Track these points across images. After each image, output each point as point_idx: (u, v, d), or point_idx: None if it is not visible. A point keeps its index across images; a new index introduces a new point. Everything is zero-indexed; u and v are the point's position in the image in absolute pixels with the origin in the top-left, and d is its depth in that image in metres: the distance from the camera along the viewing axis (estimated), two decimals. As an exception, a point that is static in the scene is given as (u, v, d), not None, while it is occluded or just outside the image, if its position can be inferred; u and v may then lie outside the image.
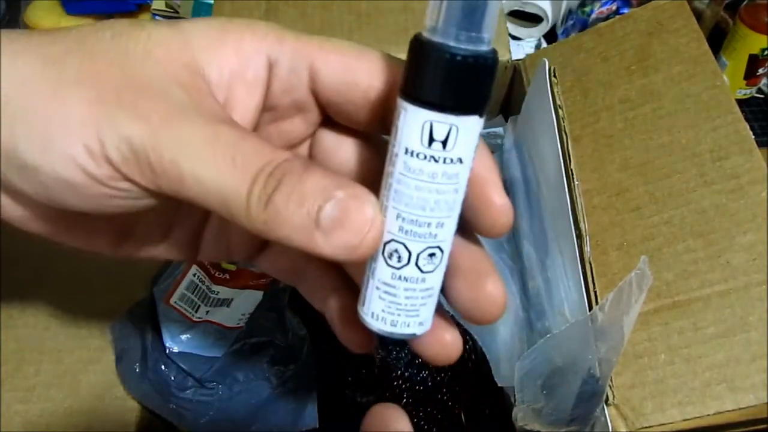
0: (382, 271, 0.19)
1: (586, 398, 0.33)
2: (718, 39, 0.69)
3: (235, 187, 0.17)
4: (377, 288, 0.19)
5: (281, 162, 0.17)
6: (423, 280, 0.19)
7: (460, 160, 0.17)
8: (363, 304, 0.20)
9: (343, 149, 0.22)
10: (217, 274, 0.42)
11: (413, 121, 0.17)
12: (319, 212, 0.16)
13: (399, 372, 0.43)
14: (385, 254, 0.18)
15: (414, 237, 0.18)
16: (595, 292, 0.35)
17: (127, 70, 0.18)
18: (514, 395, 0.34)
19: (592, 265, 0.36)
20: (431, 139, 0.17)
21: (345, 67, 0.20)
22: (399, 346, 0.44)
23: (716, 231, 0.36)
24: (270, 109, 0.21)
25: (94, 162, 0.17)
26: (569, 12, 0.75)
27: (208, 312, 0.41)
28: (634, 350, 0.34)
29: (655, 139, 0.40)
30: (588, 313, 0.34)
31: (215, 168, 0.17)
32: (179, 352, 0.39)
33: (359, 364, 0.44)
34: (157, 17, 0.71)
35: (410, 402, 0.43)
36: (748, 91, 0.70)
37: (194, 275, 0.41)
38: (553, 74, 0.41)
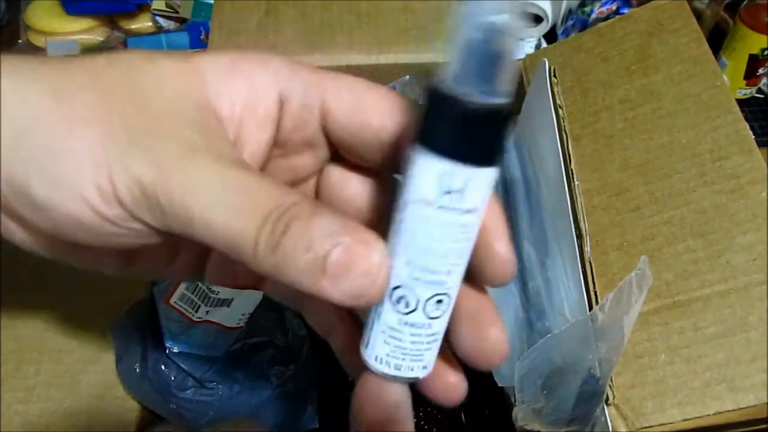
0: (388, 316, 0.19)
1: (586, 398, 0.33)
2: (718, 39, 0.69)
3: (244, 231, 0.17)
4: (383, 332, 0.19)
5: (290, 206, 0.17)
6: (429, 325, 0.19)
7: (474, 211, 0.17)
8: (366, 346, 0.19)
9: (351, 185, 0.22)
10: (217, 274, 0.42)
11: (428, 171, 0.17)
12: (326, 258, 0.16)
13: (399, 372, 0.43)
14: (393, 299, 0.18)
15: (423, 284, 0.18)
16: (595, 292, 0.35)
17: (138, 108, 0.18)
18: (514, 395, 0.34)
19: (592, 265, 0.36)
20: (446, 191, 0.17)
21: (357, 106, 0.20)
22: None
23: (716, 231, 0.36)
24: (280, 144, 0.21)
25: (106, 202, 0.18)
26: (569, 12, 0.75)
27: (208, 312, 0.41)
28: (634, 350, 0.34)
29: (655, 139, 0.40)
30: (588, 313, 0.34)
31: (224, 212, 0.17)
32: (179, 352, 0.39)
33: (359, 364, 0.44)
34: (156, 17, 0.71)
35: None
36: (748, 91, 0.70)
37: (194, 275, 0.41)
38: (553, 74, 0.41)
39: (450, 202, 0.17)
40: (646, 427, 0.32)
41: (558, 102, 0.40)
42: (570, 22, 0.74)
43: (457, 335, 0.20)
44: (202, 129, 0.18)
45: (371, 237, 0.17)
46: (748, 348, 0.33)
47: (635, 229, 0.37)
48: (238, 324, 0.41)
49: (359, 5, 0.50)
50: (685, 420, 0.32)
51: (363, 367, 0.20)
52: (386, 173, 0.22)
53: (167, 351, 0.39)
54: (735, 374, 0.32)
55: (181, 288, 0.41)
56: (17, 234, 0.20)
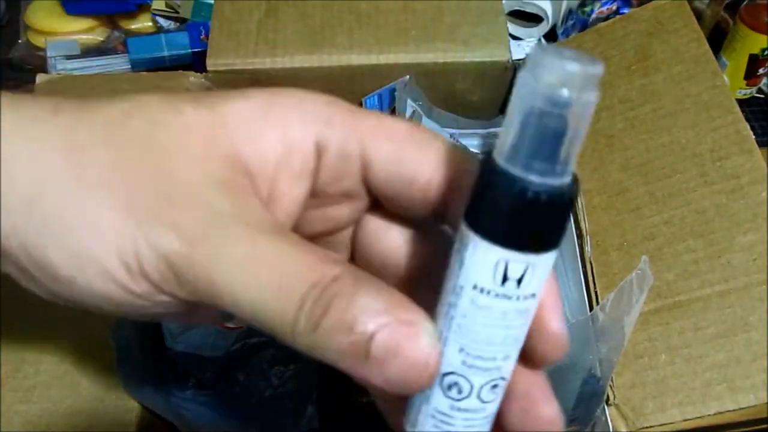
0: (438, 401, 0.17)
1: (587, 398, 0.33)
2: (718, 39, 0.69)
3: (280, 312, 0.15)
4: (432, 416, 0.18)
5: (330, 281, 0.15)
6: (483, 409, 0.17)
7: (533, 295, 0.16)
8: (414, 427, 0.18)
9: (392, 236, 0.21)
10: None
11: (485, 258, 0.15)
12: (370, 341, 0.15)
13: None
14: (444, 385, 0.17)
15: (478, 372, 0.17)
16: (596, 292, 0.35)
17: (161, 171, 0.16)
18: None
19: (593, 265, 0.36)
20: (505, 278, 0.15)
21: (401, 158, 0.18)
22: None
23: (716, 231, 0.36)
24: (316, 195, 0.20)
25: (132, 278, 0.16)
26: (569, 12, 0.75)
27: (208, 312, 0.41)
28: (635, 350, 0.34)
29: (655, 139, 0.40)
30: (589, 313, 0.34)
31: (257, 291, 0.16)
32: (179, 352, 0.39)
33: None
34: (156, 17, 0.71)
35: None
36: (748, 91, 0.70)
37: (194, 275, 0.41)
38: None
39: (507, 290, 0.15)
40: (646, 427, 0.32)
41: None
42: (570, 22, 0.74)
43: (508, 413, 0.18)
44: (231, 190, 0.17)
45: (420, 317, 0.15)
46: (749, 348, 0.33)
47: (635, 229, 0.37)
48: (239, 324, 0.41)
49: (359, 5, 0.50)
50: (685, 420, 0.32)
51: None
52: (432, 223, 0.20)
53: (167, 351, 0.39)
54: (735, 374, 0.32)
55: (181, 288, 0.40)
56: (33, 288, 0.19)
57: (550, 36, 0.75)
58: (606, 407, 0.32)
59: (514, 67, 0.50)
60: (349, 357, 0.15)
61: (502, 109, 0.54)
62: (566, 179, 0.15)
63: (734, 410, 0.32)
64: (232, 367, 0.39)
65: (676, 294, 0.35)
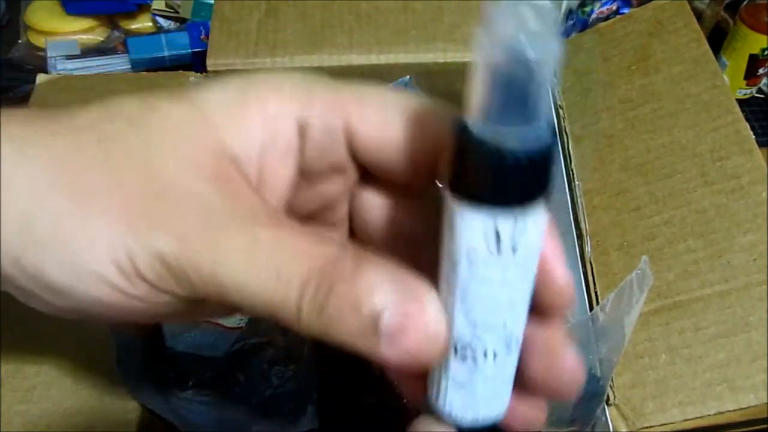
0: (455, 369, 0.17)
1: (587, 398, 0.33)
2: (718, 39, 0.69)
3: (283, 299, 0.15)
4: (452, 385, 0.18)
5: (329, 264, 0.15)
6: (501, 371, 0.17)
7: (530, 252, 0.16)
8: (437, 399, 0.18)
9: (386, 203, 0.20)
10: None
11: (473, 224, 0.15)
12: (378, 319, 0.15)
13: (399, 372, 0.43)
14: (458, 354, 0.17)
15: (487, 335, 0.16)
16: (596, 292, 0.35)
17: (149, 172, 0.16)
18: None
19: (593, 265, 0.36)
20: (497, 240, 0.15)
21: (385, 125, 0.18)
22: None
23: (717, 231, 0.36)
24: (305, 174, 0.20)
25: (129, 281, 0.16)
26: (569, 12, 0.75)
27: (208, 312, 0.41)
28: (635, 350, 0.34)
29: (655, 139, 0.40)
30: (589, 313, 0.34)
31: (259, 282, 0.16)
32: (179, 352, 0.39)
33: (359, 364, 0.44)
34: (156, 17, 0.71)
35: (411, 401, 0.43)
36: (748, 91, 0.70)
37: (194, 275, 0.41)
38: (553, 74, 0.41)
39: (502, 251, 0.15)
40: (646, 427, 0.32)
41: (558, 102, 0.40)
42: (570, 22, 0.74)
43: (528, 369, 0.18)
44: (221, 183, 0.17)
45: (425, 289, 0.16)
46: (749, 348, 0.33)
47: (636, 229, 0.37)
48: (239, 324, 0.41)
49: (359, 5, 0.50)
50: (685, 420, 0.32)
51: (424, 397, 0.19)
52: (424, 187, 0.20)
53: (167, 351, 0.39)
54: (735, 374, 0.32)
55: (181, 288, 0.40)
56: (32, 304, 0.19)
57: (550, 36, 0.75)
58: (606, 407, 0.32)
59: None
60: (358, 338, 0.15)
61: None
62: (541, 131, 0.14)
63: (734, 410, 0.32)
64: (232, 367, 0.39)
65: (676, 294, 0.35)
